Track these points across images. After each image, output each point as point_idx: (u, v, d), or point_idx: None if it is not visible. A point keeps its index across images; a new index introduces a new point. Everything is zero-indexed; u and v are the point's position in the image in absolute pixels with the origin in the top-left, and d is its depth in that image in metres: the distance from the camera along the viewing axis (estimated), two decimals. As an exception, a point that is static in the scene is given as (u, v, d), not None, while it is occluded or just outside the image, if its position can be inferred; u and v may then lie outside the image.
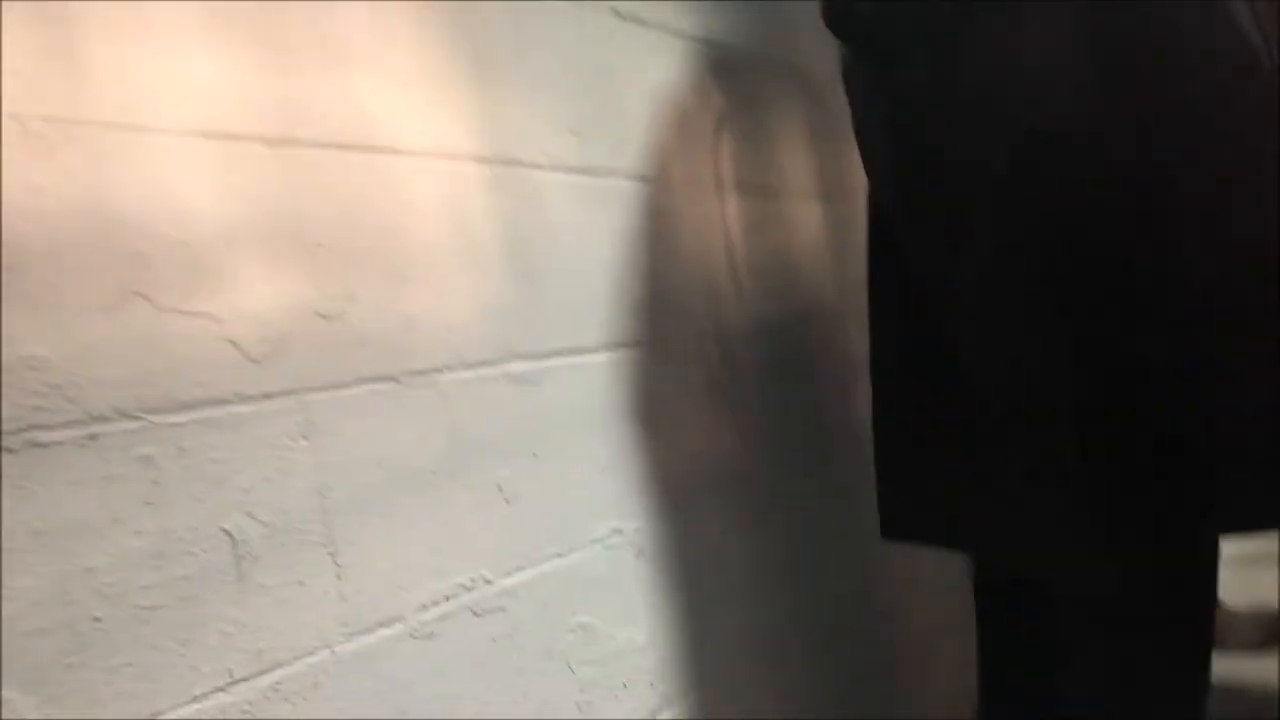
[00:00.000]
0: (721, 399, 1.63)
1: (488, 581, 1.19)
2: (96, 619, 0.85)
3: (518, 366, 1.28)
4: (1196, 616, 1.28)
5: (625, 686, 1.35)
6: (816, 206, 1.88)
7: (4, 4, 0.85)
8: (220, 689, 0.91)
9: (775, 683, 1.64)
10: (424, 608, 1.11)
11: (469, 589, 1.16)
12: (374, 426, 1.08)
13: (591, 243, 1.43)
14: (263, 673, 0.95)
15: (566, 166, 1.40)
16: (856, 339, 1.70)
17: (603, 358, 1.42)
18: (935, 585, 1.98)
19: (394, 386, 1.12)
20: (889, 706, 1.82)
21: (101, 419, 0.87)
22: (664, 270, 1.55)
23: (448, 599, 1.14)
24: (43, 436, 0.84)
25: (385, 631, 1.06)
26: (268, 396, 0.99)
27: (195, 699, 0.90)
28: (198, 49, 0.99)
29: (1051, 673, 1.33)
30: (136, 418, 0.89)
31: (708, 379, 1.61)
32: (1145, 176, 1.08)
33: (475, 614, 1.17)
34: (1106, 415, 1.15)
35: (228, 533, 0.94)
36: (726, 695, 1.55)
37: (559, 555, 1.29)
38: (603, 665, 1.33)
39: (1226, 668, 1.33)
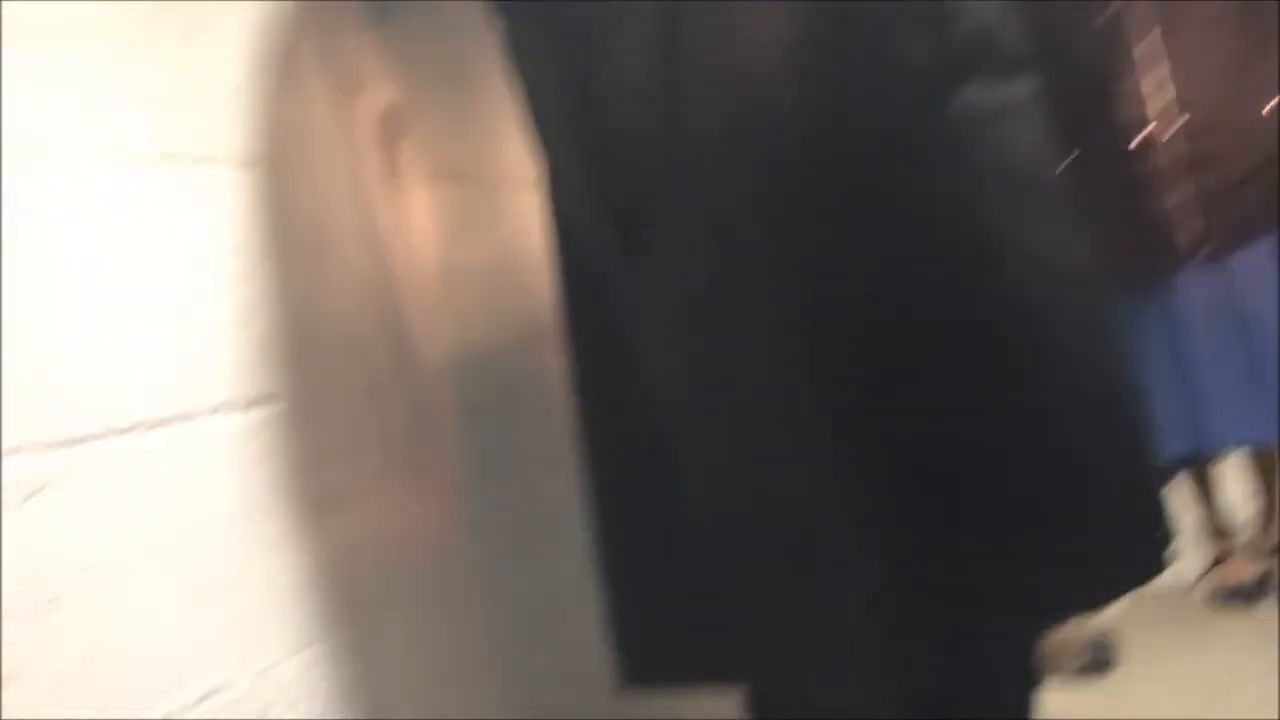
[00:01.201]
0: (404, 463, 1.19)
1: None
2: None
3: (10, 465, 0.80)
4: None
5: None
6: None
7: None
8: None
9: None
10: None
11: None
12: None
13: (146, 266, 0.96)
14: None
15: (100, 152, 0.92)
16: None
17: (183, 430, 0.95)
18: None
19: None
20: None
21: None
22: (303, 291, 1.09)
23: None
24: None
25: None
26: None
27: None
28: None
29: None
30: None
31: (382, 437, 1.16)
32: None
33: None
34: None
35: None
36: None
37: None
38: None
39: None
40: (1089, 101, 1.93)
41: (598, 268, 1.00)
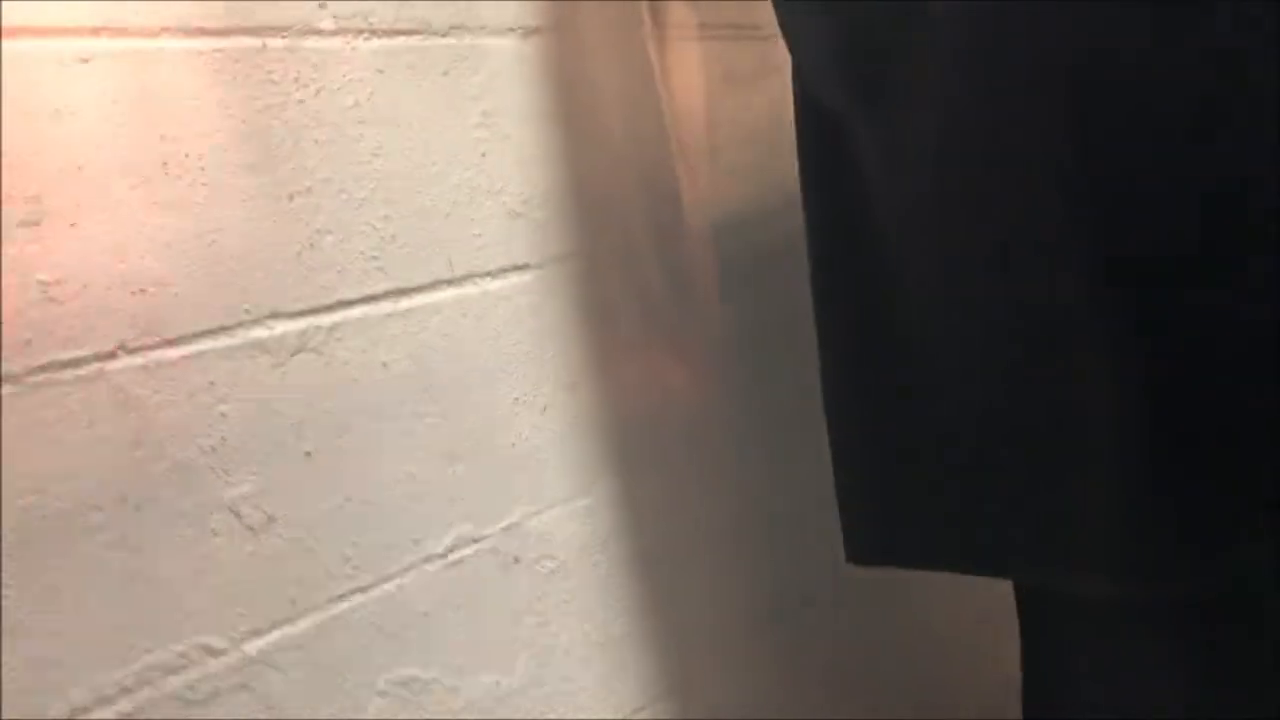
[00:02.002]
0: (664, 325, 1.18)
1: (215, 652, 0.81)
2: None
3: (274, 329, 0.86)
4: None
5: (484, 748, 0.98)
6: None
7: None
8: None
9: (748, 685, 1.24)
10: (79, 710, 0.74)
11: (176, 669, 0.79)
12: (-31, 459, 0.70)
13: (423, 140, 0.99)
14: None
15: (374, 28, 0.95)
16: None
17: (449, 294, 0.99)
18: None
19: (11, 392, 0.73)
20: (903, 708, 1.39)
21: None
22: (567, 157, 1.09)
23: (129, 691, 0.77)
24: None
25: (1, 760, 0.70)
26: None
27: None
28: None
29: (1116, 675, 1.04)
30: None
31: (642, 300, 1.16)
32: None
33: (190, 701, 0.80)
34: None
35: None
36: (681, 710, 1.16)
37: (358, 590, 0.91)
38: (442, 728, 0.95)
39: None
40: None
41: (838, 122, 0.93)
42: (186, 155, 0.84)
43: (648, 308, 1.19)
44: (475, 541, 1.00)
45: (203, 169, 0.85)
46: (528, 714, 1.03)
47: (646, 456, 1.16)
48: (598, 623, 1.10)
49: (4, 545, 0.72)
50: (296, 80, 0.91)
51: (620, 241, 1.16)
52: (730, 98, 1.32)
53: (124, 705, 0.77)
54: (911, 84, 0.88)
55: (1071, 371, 0.88)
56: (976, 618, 1.44)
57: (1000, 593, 1.12)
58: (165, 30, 0.84)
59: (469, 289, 1.02)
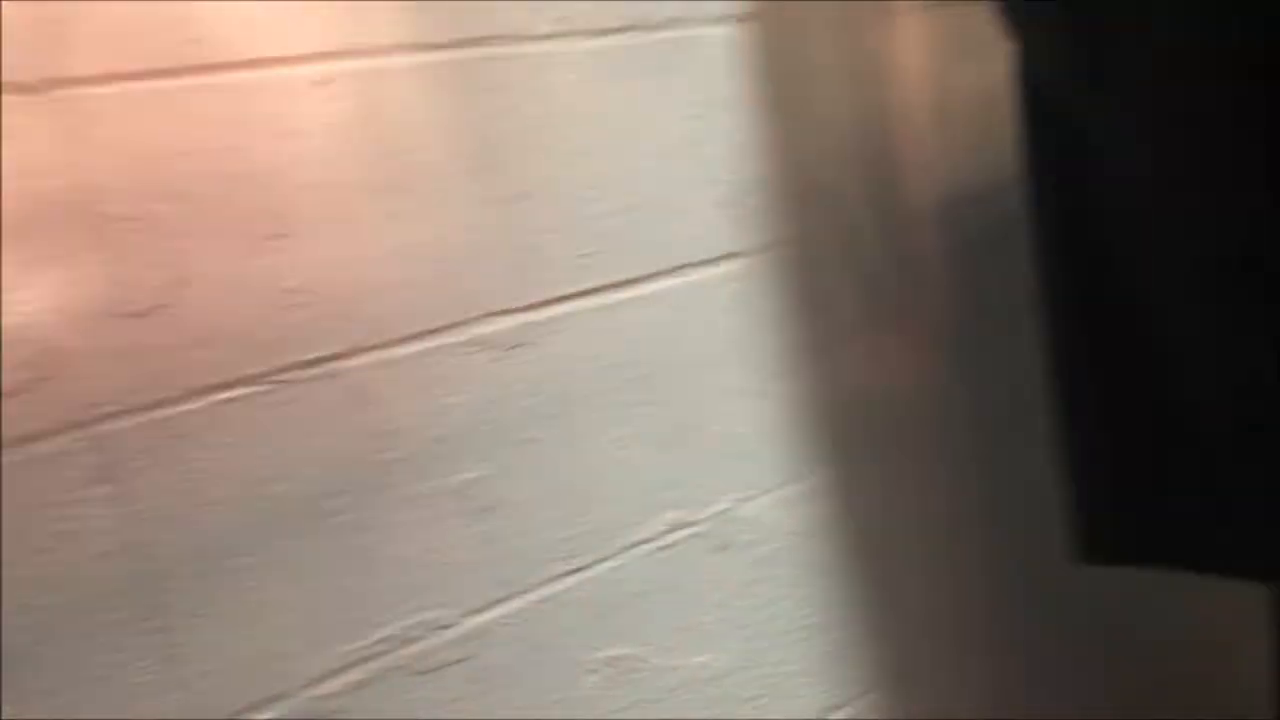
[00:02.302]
0: (884, 309, 1.17)
1: (441, 627, 0.89)
2: None
3: (496, 325, 0.93)
4: None
5: (695, 726, 1.02)
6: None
7: None
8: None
9: (970, 672, 1.22)
10: (322, 678, 0.83)
11: (406, 641, 0.87)
12: (225, 447, 0.80)
13: (636, 136, 1.02)
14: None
15: (588, 29, 0.98)
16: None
17: (663, 285, 1.03)
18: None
19: (260, 390, 0.82)
20: (1142, 708, 1.33)
21: None
22: (787, 139, 1.10)
23: (365, 661, 0.85)
24: None
25: (257, 717, 0.80)
26: (29, 439, 0.73)
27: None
28: None
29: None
30: None
31: (862, 284, 1.16)
32: None
33: (419, 672, 0.88)
34: None
35: (-36, 633, 0.70)
36: (898, 697, 1.17)
37: (574, 571, 0.96)
38: (654, 706, 1.00)
39: None
40: None
41: (1059, 104, 0.89)
42: (414, 166, 0.90)
43: (868, 291, 1.18)
44: (687, 526, 1.03)
45: (428, 177, 0.91)
46: (740, 695, 1.06)
47: (864, 443, 1.15)
48: (813, 607, 1.11)
49: (259, 527, 0.81)
50: (516, 87, 0.96)
51: (839, 225, 1.15)
52: (960, 65, 1.27)
53: (358, 674, 0.86)
54: (1134, 70, 0.83)
55: None
56: (1219, 613, 1.35)
57: (1246, 589, 1.05)
58: (397, 48, 0.90)
59: (682, 280, 1.04)
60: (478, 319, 0.93)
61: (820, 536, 1.13)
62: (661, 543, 1.01)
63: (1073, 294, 0.96)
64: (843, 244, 1.16)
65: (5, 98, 0.73)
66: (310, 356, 0.85)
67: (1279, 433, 0.89)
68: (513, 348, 0.94)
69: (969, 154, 1.22)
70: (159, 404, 0.78)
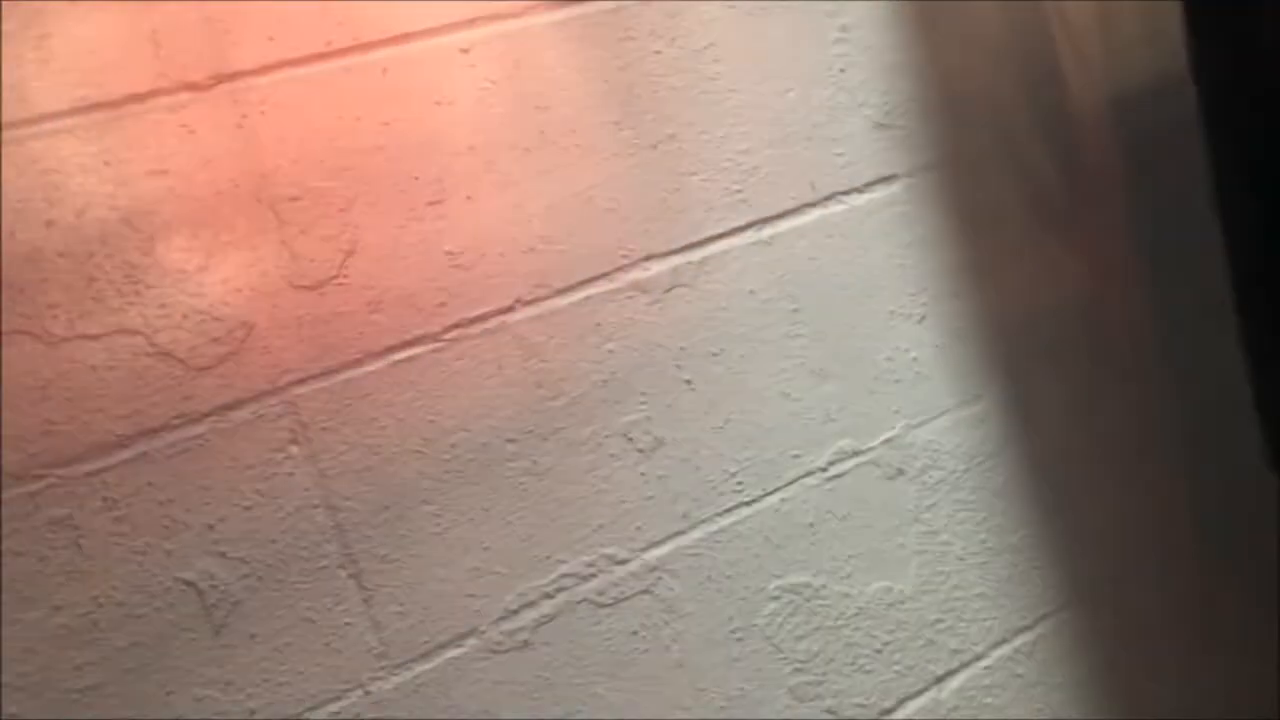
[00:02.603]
0: (1053, 221, 1.14)
1: (618, 561, 0.93)
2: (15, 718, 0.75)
3: (649, 270, 0.95)
4: None
5: (880, 652, 1.03)
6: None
7: None
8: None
9: (1172, 586, 1.19)
10: (509, 614, 0.89)
11: (586, 577, 0.92)
12: (404, 404, 0.86)
13: (779, 67, 1.02)
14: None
15: (717, -38, 0.99)
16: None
17: (814, 216, 1.03)
18: None
19: (432, 348, 0.87)
20: None
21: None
22: (929, 62, 1.08)
23: (549, 596, 0.91)
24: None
25: (452, 653, 0.87)
26: (228, 408, 0.80)
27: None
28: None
29: None
30: (39, 476, 0.76)
31: (1028, 196, 1.12)
32: None
33: (600, 605, 0.92)
34: None
35: (190, 583, 0.79)
36: (1092, 614, 1.15)
37: (744, 504, 0.99)
38: (834, 633, 1.02)
39: None
40: None
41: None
42: (559, 121, 0.93)
43: (1035, 204, 1.14)
44: (856, 455, 1.03)
45: (574, 131, 0.94)
46: (922, 619, 1.06)
47: (1039, 359, 1.13)
48: (992, 530, 1.10)
49: (441, 476, 0.87)
50: (651, 33, 0.97)
51: (1000, 139, 1.12)
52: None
53: (546, 608, 0.90)
54: None
55: None
56: None
57: None
58: (530, 8, 0.93)
59: (834, 208, 1.04)
60: (632, 264, 0.95)
61: (998, 457, 1.11)
62: (831, 472, 1.02)
63: (1251, 192, 0.91)
64: (1004, 157, 1.12)
65: (179, 96, 0.79)
66: (476, 314, 0.89)
67: None
68: (669, 290, 0.97)
69: (1140, 49, 1.15)
70: (341, 367, 0.84)
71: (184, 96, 0.80)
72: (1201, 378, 1.17)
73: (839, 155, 1.04)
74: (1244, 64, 0.88)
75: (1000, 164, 1.12)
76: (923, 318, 1.07)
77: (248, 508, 0.81)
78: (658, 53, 0.97)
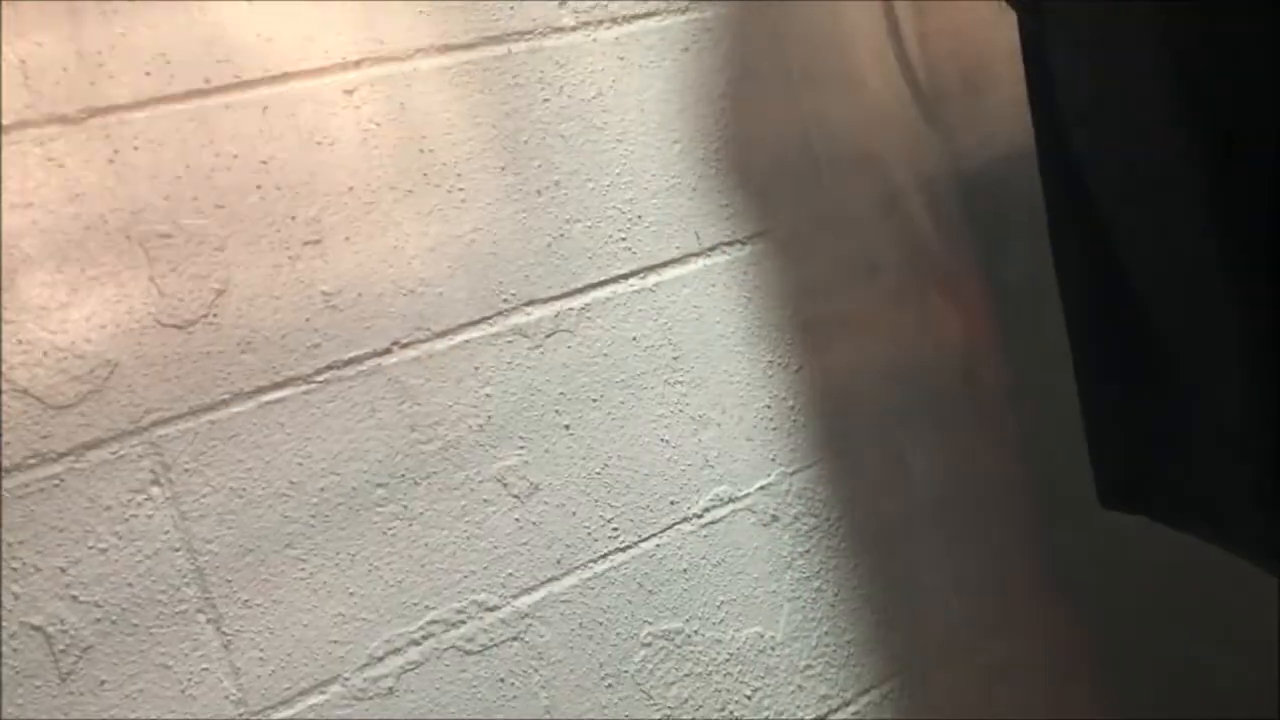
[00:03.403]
0: (926, 278, 1.17)
1: (488, 608, 0.93)
2: None
3: (530, 315, 0.95)
4: None
5: (750, 697, 1.04)
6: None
7: None
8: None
9: (1036, 632, 1.22)
10: (373, 660, 0.88)
11: (455, 624, 0.91)
12: (272, 446, 0.85)
13: (666, 118, 1.03)
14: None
15: (613, 16, 1.00)
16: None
17: (698, 266, 1.04)
18: None
19: (304, 390, 0.86)
20: (1176, 701, 1.30)
21: None
22: (813, 119, 1.10)
23: (416, 643, 0.90)
24: None
25: (313, 699, 0.85)
26: (87, 447, 0.78)
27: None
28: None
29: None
30: (-121, 517, 0.73)
31: (905, 252, 1.15)
32: None
33: (468, 652, 0.92)
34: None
35: (38, 628, 0.77)
36: (929, 685, 1.17)
37: (618, 549, 0.99)
38: (705, 679, 1.02)
39: None
40: None
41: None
42: (443, 164, 0.93)
43: (910, 259, 1.17)
44: (732, 501, 1.05)
45: (459, 175, 0.94)
46: (793, 665, 1.07)
47: (913, 411, 1.15)
48: (864, 577, 1.12)
49: (307, 520, 0.86)
50: (540, 80, 0.98)
51: (880, 195, 1.15)
52: (991, 41, 1.25)
53: (413, 655, 0.90)
54: None
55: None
56: None
57: None
58: (419, 51, 0.93)
59: (718, 258, 1.06)
60: (514, 309, 0.96)
61: (872, 506, 1.13)
62: (706, 519, 1.03)
63: (1081, 270, 0.96)
64: (882, 213, 1.15)
65: (47, 128, 0.78)
66: (350, 355, 0.89)
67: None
68: (550, 335, 0.97)
69: (1006, 121, 1.20)
70: (208, 408, 0.83)
71: (53, 129, 0.78)
72: (1043, 435, 1.21)
73: (724, 206, 1.06)
74: (1044, 130, 0.93)
75: (878, 219, 1.15)
76: (799, 368, 1.09)
77: (104, 550, 0.79)
78: (546, 100, 0.98)
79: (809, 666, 1.08)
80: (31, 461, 0.77)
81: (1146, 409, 0.93)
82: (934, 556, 1.16)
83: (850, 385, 1.12)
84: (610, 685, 0.98)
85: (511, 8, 0.97)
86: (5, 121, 0.77)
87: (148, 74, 0.82)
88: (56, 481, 0.78)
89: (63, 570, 0.78)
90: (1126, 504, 0.99)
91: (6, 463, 0.77)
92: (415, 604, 0.90)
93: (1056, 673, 1.22)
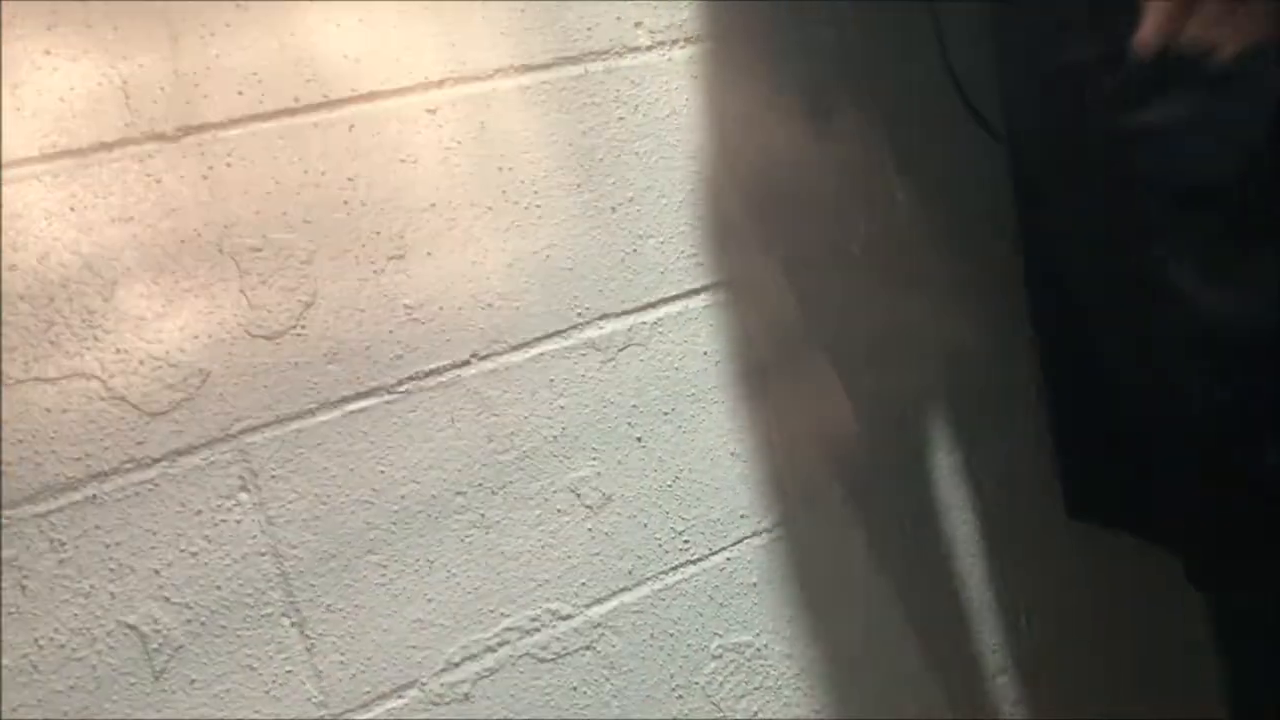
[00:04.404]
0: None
1: (562, 617, 0.95)
2: (-53, 756, 0.75)
3: (604, 328, 0.97)
4: None
5: (819, 712, 1.05)
6: None
7: None
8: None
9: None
10: (450, 666, 0.90)
11: (529, 631, 0.93)
12: (356, 454, 0.87)
13: (739, 132, 1.04)
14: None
15: (679, 37, 1.02)
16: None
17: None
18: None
19: (386, 400, 0.89)
20: None
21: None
22: (750, 169, 1.11)
23: (491, 650, 0.92)
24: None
25: (392, 704, 0.87)
26: (180, 454, 0.81)
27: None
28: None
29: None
30: (-15, 518, 0.77)
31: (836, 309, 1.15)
32: None
33: (542, 660, 0.93)
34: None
35: (133, 628, 0.80)
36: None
37: (690, 562, 1.00)
38: (775, 693, 1.03)
39: None
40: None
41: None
42: (521, 182, 0.96)
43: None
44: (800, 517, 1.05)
45: (536, 192, 0.96)
46: (868, 679, 1.07)
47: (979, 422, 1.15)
48: (939, 590, 1.12)
49: (388, 527, 0.88)
50: (616, 99, 1.00)
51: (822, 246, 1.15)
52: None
53: (488, 661, 0.92)
54: None
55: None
56: None
57: None
58: (499, 71, 0.96)
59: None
60: (587, 323, 0.97)
61: (963, 511, 1.13)
62: (776, 534, 1.04)
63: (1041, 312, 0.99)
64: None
65: (146, 145, 0.81)
66: (431, 366, 0.91)
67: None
68: (623, 348, 0.99)
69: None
70: (295, 416, 0.86)
71: (151, 146, 0.82)
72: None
73: (797, 224, 1.07)
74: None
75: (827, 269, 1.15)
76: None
77: (194, 553, 0.82)
78: (621, 119, 1.00)
79: (883, 679, 1.08)
80: (128, 466, 0.80)
81: (1101, 419, 0.94)
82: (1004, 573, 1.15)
83: (921, 397, 1.12)
84: (681, 696, 0.99)
85: (588, 29, 0.98)
86: (109, 139, 0.80)
87: (240, 93, 0.85)
88: (151, 486, 0.81)
89: (156, 572, 0.81)
90: (1092, 515, 1.00)
91: (105, 467, 0.79)
92: (491, 611, 0.92)
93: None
